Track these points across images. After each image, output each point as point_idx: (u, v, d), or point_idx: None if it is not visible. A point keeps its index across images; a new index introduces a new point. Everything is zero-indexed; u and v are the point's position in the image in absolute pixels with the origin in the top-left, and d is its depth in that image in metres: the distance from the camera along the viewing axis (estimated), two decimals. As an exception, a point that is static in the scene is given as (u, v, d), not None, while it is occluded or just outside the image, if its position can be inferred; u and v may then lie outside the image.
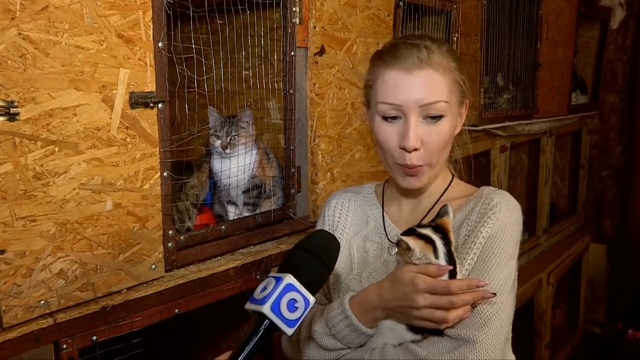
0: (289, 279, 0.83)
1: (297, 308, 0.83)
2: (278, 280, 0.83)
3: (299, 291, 0.83)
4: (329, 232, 1.00)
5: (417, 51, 1.02)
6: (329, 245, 0.94)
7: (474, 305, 0.99)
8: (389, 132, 1.05)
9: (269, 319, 0.81)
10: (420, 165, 1.05)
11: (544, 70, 2.70)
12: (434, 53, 1.03)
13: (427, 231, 1.00)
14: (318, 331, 1.07)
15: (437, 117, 1.03)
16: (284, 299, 0.82)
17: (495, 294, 0.99)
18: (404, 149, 1.03)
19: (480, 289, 0.97)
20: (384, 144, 1.07)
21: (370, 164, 1.81)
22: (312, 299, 0.84)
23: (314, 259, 0.89)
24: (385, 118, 1.05)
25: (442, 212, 1.04)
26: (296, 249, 0.92)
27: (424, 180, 1.09)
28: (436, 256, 0.98)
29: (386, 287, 1.02)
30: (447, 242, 1.00)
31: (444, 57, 1.04)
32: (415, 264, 0.99)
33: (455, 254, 1.01)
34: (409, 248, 0.98)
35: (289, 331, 0.82)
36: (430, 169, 1.07)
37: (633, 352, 3.18)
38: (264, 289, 0.83)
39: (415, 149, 1.03)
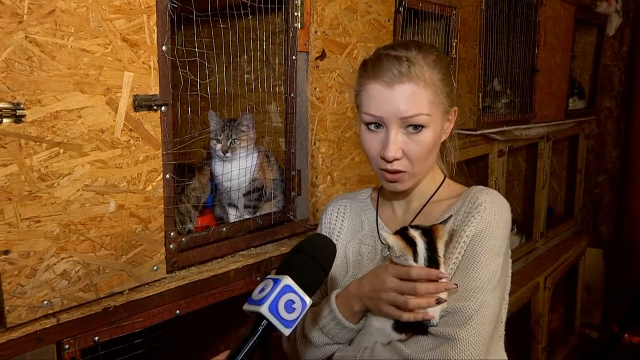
0: (287, 280, 0.85)
1: (294, 309, 0.84)
2: (276, 281, 0.85)
3: (296, 292, 0.85)
4: (326, 236, 1.03)
5: (398, 64, 1.04)
6: (325, 249, 0.96)
7: (455, 303, 1.01)
8: (371, 140, 1.09)
9: (267, 320, 0.82)
10: (400, 172, 1.08)
11: (541, 75, 2.73)
12: (415, 65, 1.04)
13: (415, 233, 1.02)
14: (309, 327, 1.12)
15: (418, 128, 1.05)
16: (282, 300, 0.83)
17: (457, 285, 1.02)
18: (384, 158, 1.06)
19: (442, 280, 1.00)
20: (368, 151, 1.11)
21: (369, 168, 1.81)
22: (309, 300, 0.86)
23: (311, 261, 0.91)
24: (368, 127, 1.09)
25: (444, 220, 1.06)
26: (294, 251, 0.94)
27: (407, 185, 1.11)
28: (415, 259, 1.00)
29: (366, 277, 1.08)
30: (430, 248, 1.01)
31: (427, 68, 1.05)
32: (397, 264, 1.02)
33: (441, 259, 1.02)
34: (389, 246, 1.01)
35: (287, 331, 0.84)
36: (411, 177, 1.10)
37: (629, 356, 3.20)
38: (262, 290, 0.85)
39: (396, 159, 1.06)
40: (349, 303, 1.08)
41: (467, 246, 1.05)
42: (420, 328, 1.02)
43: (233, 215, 1.58)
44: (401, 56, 1.05)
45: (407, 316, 1.00)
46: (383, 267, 1.05)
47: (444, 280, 1.00)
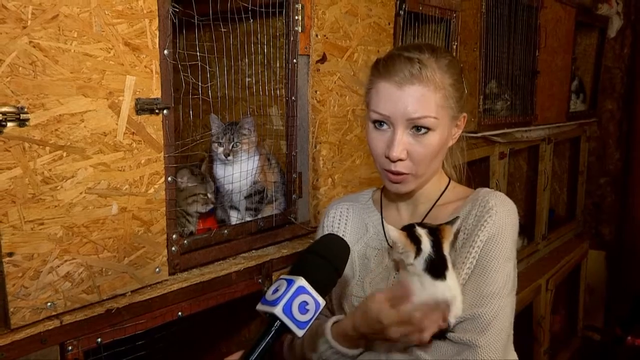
0: (301, 281, 0.85)
1: (308, 310, 0.84)
2: (290, 282, 0.85)
3: (310, 294, 0.85)
4: (340, 237, 1.02)
5: (410, 65, 1.04)
6: (339, 249, 0.96)
7: (473, 309, 1.01)
8: (377, 139, 1.09)
9: (281, 321, 0.82)
10: (404, 174, 1.08)
11: (542, 77, 2.73)
12: (427, 68, 1.04)
13: (422, 231, 1.03)
14: (308, 355, 1.11)
15: (425, 131, 1.06)
16: (296, 301, 0.83)
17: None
18: (388, 158, 1.07)
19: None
20: (373, 150, 1.11)
21: (370, 170, 1.83)
22: (322, 301, 0.86)
23: (325, 262, 0.91)
24: (375, 125, 1.09)
25: (451, 221, 1.06)
26: (308, 252, 0.94)
27: (410, 187, 1.11)
28: (417, 256, 1.01)
29: (358, 319, 1.02)
30: (436, 246, 1.02)
31: (439, 72, 1.06)
32: (382, 291, 1.01)
33: (448, 258, 1.03)
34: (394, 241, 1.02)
35: (300, 332, 0.83)
36: (415, 179, 1.10)
37: (632, 359, 3.19)
38: (276, 290, 0.85)
39: (400, 159, 1.06)
40: (352, 341, 1.05)
41: (480, 251, 1.05)
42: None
43: (234, 217, 1.59)
44: (413, 57, 1.05)
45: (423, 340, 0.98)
46: (374, 315, 0.97)
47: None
